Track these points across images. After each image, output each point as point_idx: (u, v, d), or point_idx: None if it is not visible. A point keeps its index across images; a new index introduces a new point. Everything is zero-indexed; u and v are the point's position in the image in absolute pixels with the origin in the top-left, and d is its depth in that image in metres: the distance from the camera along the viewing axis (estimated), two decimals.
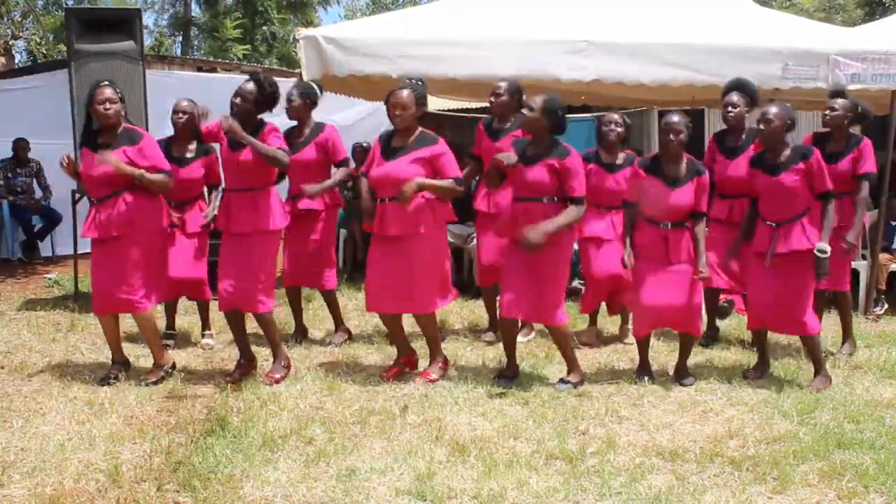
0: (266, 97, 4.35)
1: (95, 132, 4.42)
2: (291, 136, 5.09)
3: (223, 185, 4.75)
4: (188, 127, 5.06)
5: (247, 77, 4.44)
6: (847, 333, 5.29)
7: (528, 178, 4.34)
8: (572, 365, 4.55)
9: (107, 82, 4.42)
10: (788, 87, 6.16)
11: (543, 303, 4.38)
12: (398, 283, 4.42)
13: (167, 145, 5.04)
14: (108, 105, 4.30)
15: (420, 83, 4.52)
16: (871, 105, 5.26)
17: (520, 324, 5.56)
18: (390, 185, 4.35)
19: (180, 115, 5.10)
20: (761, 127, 4.41)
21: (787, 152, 4.44)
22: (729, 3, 7.13)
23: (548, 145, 4.35)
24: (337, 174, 5.20)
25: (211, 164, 5.23)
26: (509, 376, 4.58)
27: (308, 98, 5.18)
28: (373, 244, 4.56)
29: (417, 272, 4.40)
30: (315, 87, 5.30)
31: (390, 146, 4.46)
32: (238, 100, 4.32)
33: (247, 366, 4.60)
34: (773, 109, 4.39)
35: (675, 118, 4.39)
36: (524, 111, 4.41)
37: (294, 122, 5.22)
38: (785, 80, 6.15)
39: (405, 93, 4.38)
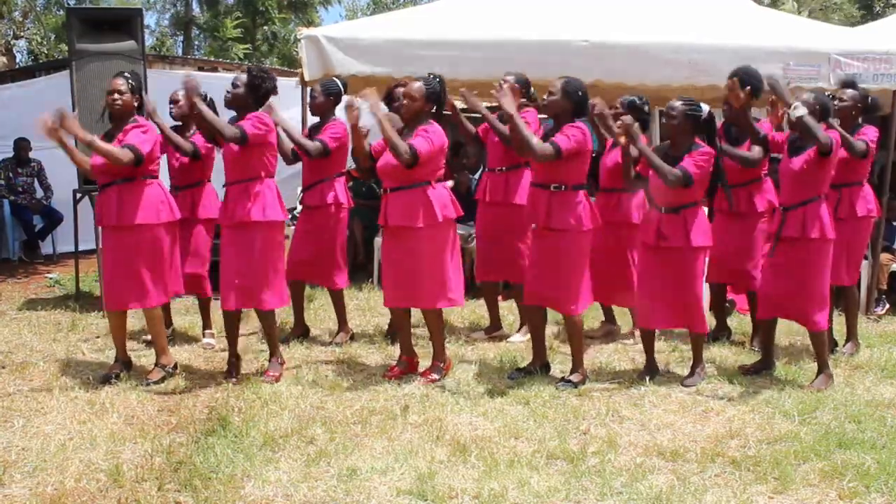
0: (255, 85, 4.37)
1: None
2: (313, 132, 5.19)
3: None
4: (180, 115, 5.14)
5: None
6: (851, 332, 5.29)
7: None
8: (578, 363, 4.54)
9: (123, 73, 4.45)
10: (789, 87, 6.16)
11: (560, 291, 4.39)
12: (403, 277, 4.44)
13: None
14: (116, 96, 4.33)
15: (436, 79, 4.49)
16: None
17: (519, 324, 5.62)
18: (387, 172, 4.39)
19: (171, 105, 5.19)
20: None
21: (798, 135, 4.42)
22: (729, 3, 7.13)
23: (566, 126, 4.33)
24: (304, 139, 5.14)
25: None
26: (527, 370, 4.60)
27: (331, 95, 5.21)
28: (383, 239, 4.63)
29: (419, 266, 4.40)
30: (339, 82, 5.31)
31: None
32: (230, 87, 4.40)
33: (237, 363, 4.64)
34: (802, 96, 4.39)
35: (676, 103, 4.39)
36: (545, 97, 4.38)
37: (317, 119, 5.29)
38: (785, 80, 6.15)
39: (416, 85, 4.39)
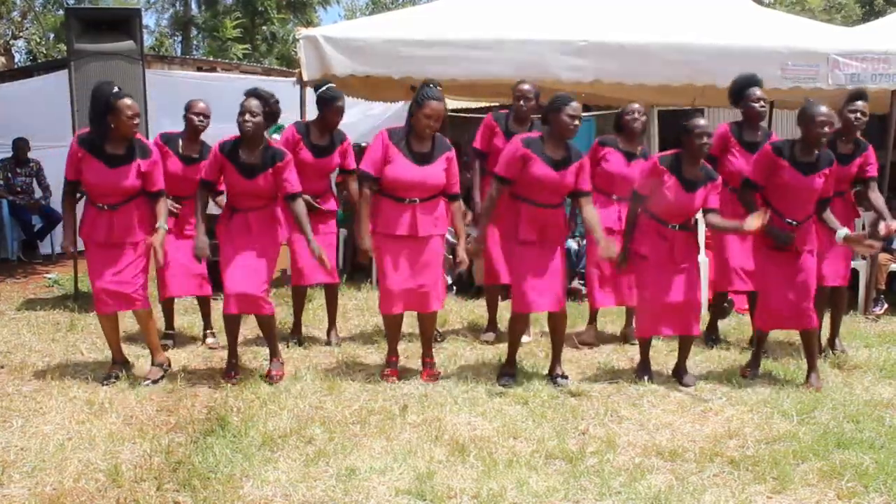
0: (272, 110, 4.44)
1: (101, 139, 4.32)
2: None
3: None
4: (203, 130, 5.08)
5: (248, 93, 4.41)
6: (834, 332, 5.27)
7: (566, 181, 4.39)
8: (560, 355, 4.65)
9: (127, 94, 4.36)
10: (788, 87, 6.17)
11: (561, 291, 4.50)
12: (425, 281, 4.47)
13: (177, 141, 5.06)
14: (138, 119, 4.33)
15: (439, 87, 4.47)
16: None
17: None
18: (426, 189, 4.42)
19: (202, 118, 5.03)
20: (827, 130, 4.30)
21: (818, 153, 4.42)
22: (729, 3, 7.13)
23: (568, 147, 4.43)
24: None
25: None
26: (511, 374, 4.59)
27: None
28: (391, 245, 4.46)
29: (439, 270, 4.55)
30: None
31: (419, 151, 4.41)
32: (248, 116, 4.31)
33: (236, 364, 4.65)
34: (825, 109, 4.30)
35: (703, 121, 4.33)
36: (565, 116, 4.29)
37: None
38: (785, 80, 6.16)
39: (440, 105, 4.32)
